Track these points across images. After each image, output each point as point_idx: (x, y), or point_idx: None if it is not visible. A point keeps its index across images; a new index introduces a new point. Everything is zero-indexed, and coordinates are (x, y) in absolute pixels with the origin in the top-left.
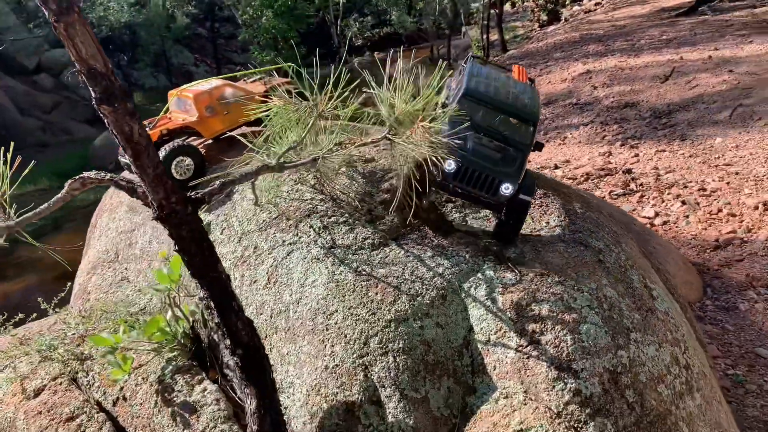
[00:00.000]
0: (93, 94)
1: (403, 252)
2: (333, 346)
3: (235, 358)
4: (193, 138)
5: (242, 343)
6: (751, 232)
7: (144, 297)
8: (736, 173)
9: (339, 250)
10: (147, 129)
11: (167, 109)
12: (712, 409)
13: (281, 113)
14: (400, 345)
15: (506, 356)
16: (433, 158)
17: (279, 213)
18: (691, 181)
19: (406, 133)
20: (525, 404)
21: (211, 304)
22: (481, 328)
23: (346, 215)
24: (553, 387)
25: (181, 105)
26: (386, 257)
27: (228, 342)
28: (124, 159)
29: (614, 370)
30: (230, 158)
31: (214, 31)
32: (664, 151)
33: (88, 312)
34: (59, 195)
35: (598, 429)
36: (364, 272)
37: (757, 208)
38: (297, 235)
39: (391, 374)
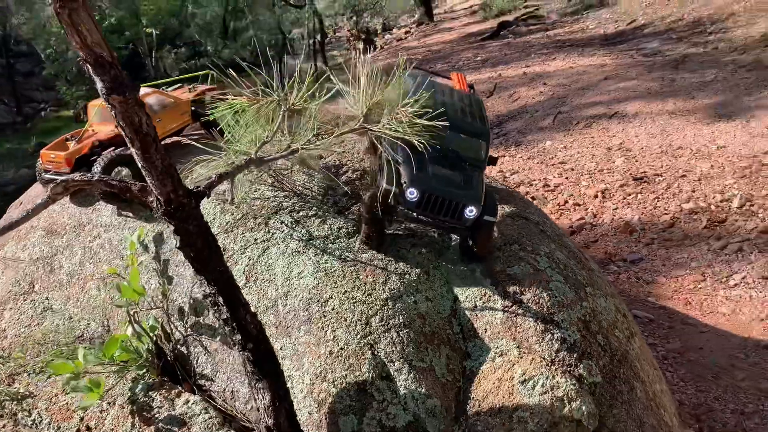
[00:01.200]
0: (101, 85)
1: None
2: (334, 330)
3: (246, 353)
4: (125, 148)
5: (252, 336)
6: (596, 217)
7: (80, 323)
8: (571, 169)
9: (318, 241)
10: (73, 143)
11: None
12: (645, 349)
13: (247, 111)
14: (401, 320)
15: (495, 318)
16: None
17: (242, 214)
18: (534, 179)
19: (382, 122)
20: (521, 357)
21: (219, 299)
22: (467, 296)
23: (314, 208)
24: (543, 338)
25: (108, 114)
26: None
27: (238, 337)
28: (49, 174)
29: (584, 319)
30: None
31: (11, 67)
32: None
33: (7, 350)
34: (40, 202)
35: (587, 369)
36: (348, 258)
37: (596, 196)
38: (269, 232)
39: (398, 348)
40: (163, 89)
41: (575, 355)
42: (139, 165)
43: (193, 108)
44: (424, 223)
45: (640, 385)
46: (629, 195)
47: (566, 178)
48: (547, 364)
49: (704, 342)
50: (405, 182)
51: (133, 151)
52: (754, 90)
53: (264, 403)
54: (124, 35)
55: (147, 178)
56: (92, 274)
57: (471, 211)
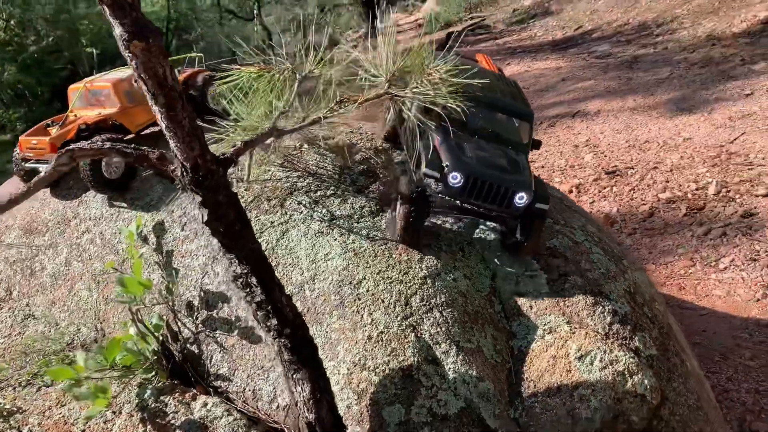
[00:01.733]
0: (119, 30)
1: None
2: (371, 314)
3: (282, 340)
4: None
5: (288, 320)
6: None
7: (69, 329)
8: (542, 167)
9: (341, 221)
10: (55, 128)
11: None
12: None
13: (258, 81)
14: (442, 299)
15: (540, 293)
16: (452, 107)
17: (254, 196)
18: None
19: (410, 86)
20: (573, 333)
21: (252, 280)
22: (506, 273)
23: (332, 188)
24: (594, 311)
25: (92, 98)
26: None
27: (274, 322)
28: (30, 163)
29: (630, 291)
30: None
31: None
32: None
33: None
34: (42, 174)
35: (642, 342)
36: (377, 237)
37: (571, 191)
38: (286, 213)
39: (442, 329)
40: None
41: (629, 328)
42: (163, 126)
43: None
44: (468, 213)
45: (687, 358)
46: (604, 188)
47: (538, 175)
48: (602, 338)
49: (706, 324)
50: (447, 165)
51: (155, 109)
52: (710, 84)
53: (304, 396)
54: (63, 55)
55: (171, 142)
56: (81, 273)
57: (521, 198)
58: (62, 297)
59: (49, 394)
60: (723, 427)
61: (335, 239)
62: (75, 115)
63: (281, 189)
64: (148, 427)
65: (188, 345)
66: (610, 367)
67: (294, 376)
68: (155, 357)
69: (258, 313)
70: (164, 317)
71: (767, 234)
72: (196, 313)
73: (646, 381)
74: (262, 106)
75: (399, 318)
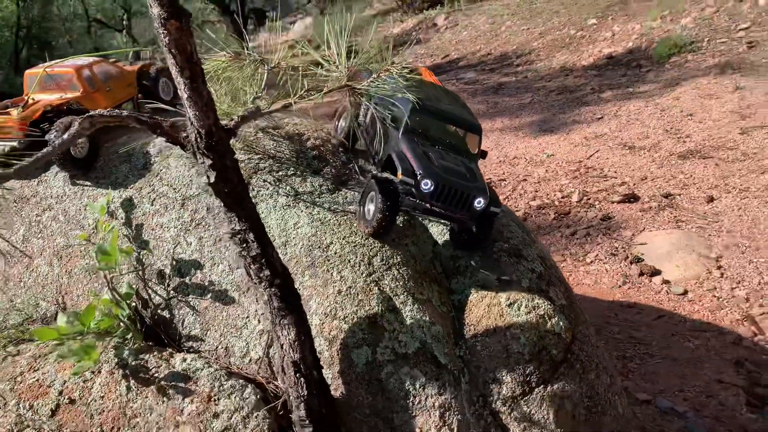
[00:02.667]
0: (158, 10)
1: (356, 193)
2: (340, 272)
3: (273, 289)
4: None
5: (278, 273)
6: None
7: (27, 304)
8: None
9: (305, 196)
10: (17, 109)
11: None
12: None
13: (229, 71)
14: (398, 259)
15: (473, 255)
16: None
17: None
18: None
19: (368, 80)
20: (502, 287)
21: (250, 236)
22: (444, 241)
23: (292, 169)
24: (517, 269)
25: (51, 83)
26: (346, 198)
27: (267, 273)
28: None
29: (540, 255)
30: (120, 137)
31: None
32: None
33: None
34: (64, 137)
35: (555, 294)
36: (338, 210)
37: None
38: (253, 190)
39: (400, 283)
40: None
41: (543, 283)
42: (184, 96)
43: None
44: (433, 214)
45: (583, 311)
46: None
47: (489, 181)
48: (526, 290)
49: (581, 307)
50: (420, 173)
51: (180, 80)
52: (566, 109)
53: (290, 339)
54: None
55: (190, 111)
56: (41, 249)
57: (479, 202)
58: (18, 274)
59: (18, 362)
60: (612, 362)
61: (302, 211)
62: (33, 99)
63: (246, 169)
64: (131, 381)
65: (159, 311)
66: (534, 311)
67: (281, 321)
68: (130, 321)
69: (252, 265)
70: (134, 286)
71: (622, 233)
72: (167, 281)
73: (561, 323)
74: (233, 93)
75: (364, 275)
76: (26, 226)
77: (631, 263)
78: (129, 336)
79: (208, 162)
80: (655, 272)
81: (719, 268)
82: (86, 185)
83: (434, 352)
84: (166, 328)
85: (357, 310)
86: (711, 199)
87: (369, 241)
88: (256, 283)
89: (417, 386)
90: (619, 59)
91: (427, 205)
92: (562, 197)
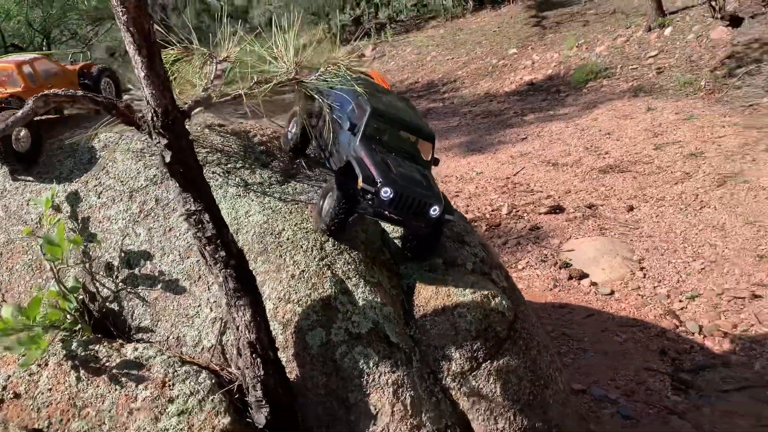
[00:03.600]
0: None
1: (305, 185)
2: (293, 257)
3: (228, 270)
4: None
5: (234, 254)
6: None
7: None
8: None
9: (255, 187)
10: None
11: None
12: None
13: (178, 64)
14: (349, 244)
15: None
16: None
17: None
18: None
19: (315, 74)
20: (448, 269)
21: (205, 216)
22: (393, 228)
23: (240, 162)
24: (461, 254)
25: None
26: (296, 189)
27: (222, 254)
28: None
29: (482, 243)
30: (63, 133)
31: None
32: None
33: None
34: (19, 114)
35: (497, 276)
36: (288, 199)
37: None
38: None
39: (352, 267)
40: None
41: (486, 266)
42: (141, 75)
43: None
44: (388, 219)
45: (523, 294)
46: None
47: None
48: (470, 272)
49: None
50: (380, 181)
51: (138, 59)
52: (492, 131)
53: (245, 320)
54: None
55: (147, 90)
56: None
57: (435, 210)
58: None
59: None
60: (549, 341)
61: (252, 200)
62: None
63: None
64: (81, 372)
65: (108, 303)
66: (478, 292)
67: (237, 303)
68: (77, 313)
69: (207, 246)
70: (80, 279)
71: (551, 242)
72: (116, 273)
73: (504, 302)
74: (180, 85)
75: (316, 259)
76: None
77: (560, 268)
78: (77, 328)
79: (164, 142)
80: (583, 275)
81: (642, 269)
82: (28, 180)
83: (386, 331)
84: (115, 321)
85: (310, 293)
86: (631, 208)
87: (319, 191)
88: (211, 265)
89: (371, 365)
90: (539, 85)
91: (385, 212)
92: (493, 210)
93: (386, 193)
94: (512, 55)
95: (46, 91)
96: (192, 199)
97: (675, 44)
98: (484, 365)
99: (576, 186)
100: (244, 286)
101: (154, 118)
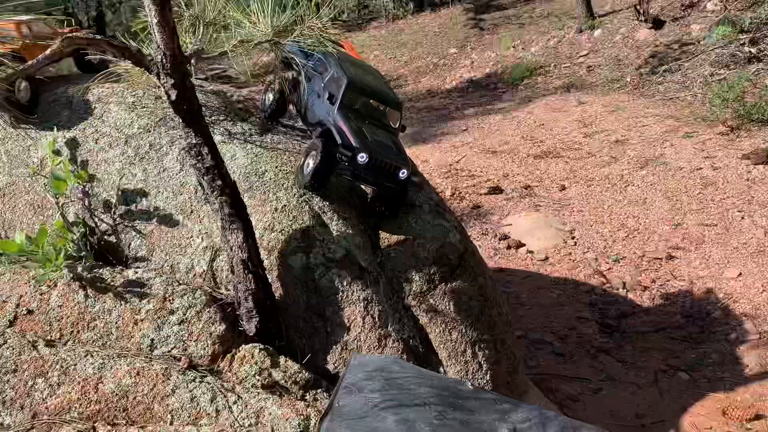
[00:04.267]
0: None
1: (282, 137)
2: (276, 193)
3: (223, 197)
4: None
5: (228, 183)
6: None
7: None
8: None
9: (238, 136)
10: None
11: None
12: None
13: None
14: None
15: None
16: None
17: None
18: None
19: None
20: (412, 208)
21: (204, 149)
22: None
23: (222, 116)
24: (420, 197)
25: None
26: (274, 140)
27: (219, 183)
28: None
29: (436, 192)
30: (58, 88)
31: None
32: None
33: None
34: (47, 52)
35: (450, 215)
36: (269, 147)
37: None
38: None
39: (327, 204)
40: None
41: (441, 209)
42: (154, 22)
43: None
44: (362, 180)
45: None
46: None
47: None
48: (428, 212)
49: None
50: (357, 147)
51: (151, 7)
52: (435, 124)
53: (238, 241)
54: None
55: (158, 36)
56: None
57: (403, 173)
58: None
59: None
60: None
61: (237, 147)
62: None
63: None
64: (89, 290)
65: (106, 237)
66: (435, 227)
67: (231, 226)
68: (81, 242)
69: (206, 176)
70: (80, 216)
71: (491, 218)
72: (114, 209)
73: (457, 236)
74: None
75: (296, 196)
76: None
77: (500, 240)
78: (82, 255)
79: (171, 82)
80: (521, 245)
81: (573, 238)
82: (29, 128)
83: (357, 258)
84: (114, 252)
85: (292, 224)
86: (563, 188)
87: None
88: (208, 193)
89: (344, 284)
90: (478, 82)
91: (360, 174)
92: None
93: (362, 158)
94: (452, 55)
95: (70, 33)
96: (193, 134)
97: (604, 44)
98: (439, 287)
99: (513, 170)
100: (237, 212)
101: (164, 61)
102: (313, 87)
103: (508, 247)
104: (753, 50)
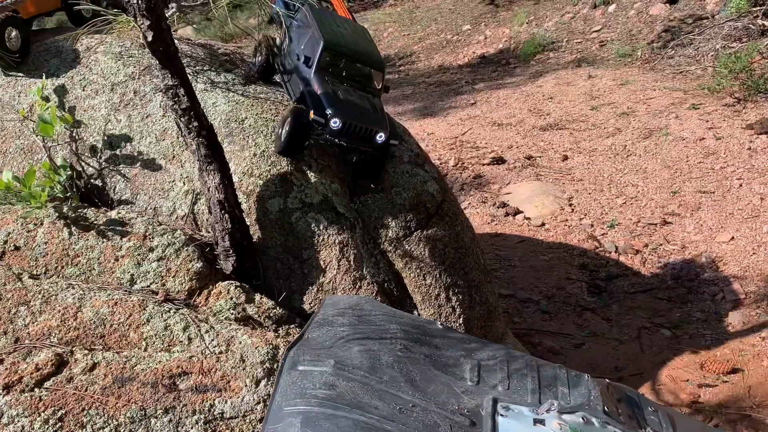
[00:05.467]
0: None
1: (264, 87)
2: (255, 139)
3: (200, 139)
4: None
5: (205, 125)
6: None
7: None
8: None
9: (220, 85)
10: None
11: None
12: None
13: None
14: None
15: None
16: None
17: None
18: None
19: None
20: (391, 159)
21: (180, 91)
22: None
23: (207, 66)
24: (400, 148)
25: None
26: (257, 89)
27: (195, 124)
28: None
29: (416, 143)
30: (47, 38)
31: None
32: None
33: None
34: None
35: (429, 167)
36: (251, 95)
37: None
38: None
39: (306, 151)
40: None
41: (420, 160)
42: None
43: None
44: (339, 145)
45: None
46: None
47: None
48: (407, 163)
49: None
50: (329, 113)
51: None
52: (444, 98)
53: (215, 182)
54: None
55: None
56: None
57: (381, 137)
58: None
59: None
60: (473, 230)
61: (218, 95)
62: None
63: None
64: (73, 228)
65: (92, 180)
66: (413, 177)
67: (208, 167)
68: (67, 184)
69: (183, 118)
70: (68, 159)
71: (491, 187)
72: (99, 154)
73: (435, 186)
74: None
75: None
76: None
77: (498, 207)
78: (67, 195)
79: (147, 23)
80: (518, 212)
81: (570, 205)
82: (19, 76)
83: (334, 203)
84: (99, 195)
85: (270, 169)
86: (565, 158)
87: (279, 117)
88: (185, 134)
89: (321, 228)
90: (490, 58)
91: (335, 139)
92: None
93: (335, 123)
94: (466, 31)
95: None
96: (170, 75)
97: (617, 20)
98: (415, 233)
99: (518, 142)
100: (214, 153)
101: (139, 1)
102: (293, 49)
103: (506, 215)
104: (766, 23)
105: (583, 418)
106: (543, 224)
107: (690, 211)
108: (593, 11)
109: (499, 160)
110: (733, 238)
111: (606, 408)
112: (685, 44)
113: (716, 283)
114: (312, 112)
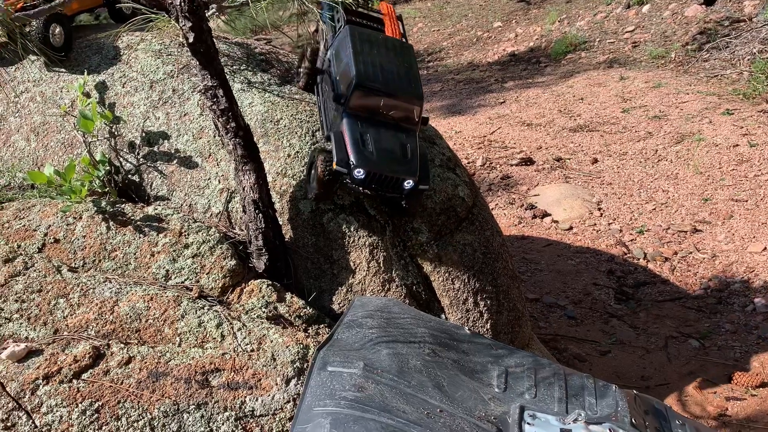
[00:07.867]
0: None
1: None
2: (289, 140)
3: (237, 139)
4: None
5: (242, 126)
6: None
7: (4, 176)
8: None
9: (257, 85)
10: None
11: None
12: None
13: None
14: None
15: None
16: None
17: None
18: None
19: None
20: None
21: (219, 92)
22: None
23: (243, 65)
24: (432, 151)
25: None
26: (292, 90)
27: (233, 125)
28: None
29: (449, 148)
30: (90, 35)
31: None
32: None
33: None
34: None
35: (461, 171)
36: (286, 96)
37: None
38: None
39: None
40: None
41: (452, 164)
42: None
43: None
44: (366, 191)
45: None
46: None
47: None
48: (438, 166)
49: None
50: (353, 163)
51: None
52: (473, 96)
53: (251, 182)
54: None
55: None
56: (18, 126)
57: (408, 184)
58: None
59: (3, 214)
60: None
61: (255, 95)
62: None
63: None
64: (111, 223)
65: (130, 176)
66: (445, 181)
67: (244, 167)
68: (106, 179)
69: (221, 118)
70: (106, 155)
71: (519, 189)
72: (137, 150)
73: (466, 190)
74: None
75: (309, 143)
76: (3, 106)
77: (526, 209)
78: (106, 190)
79: (189, 24)
80: (546, 214)
81: (599, 209)
82: (62, 71)
83: (366, 206)
84: (137, 191)
85: (303, 170)
86: (595, 161)
87: (313, 118)
88: (223, 135)
89: (352, 229)
90: (521, 57)
91: (359, 188)
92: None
93: (359, 173)
94: (497, 28)
95: None
96: (209, 76)
97: (651, 21)
98: (445, 237)
99: (547, 143)
100: (250, 154)
101: (182, 3)
102: (332, 71)
103: (534, 217)
104: None
105: (609, 430)
106: (571, 228)
107: (721, 220)
108: (626, 11)
109: (528, 161)
110: (765, 248)
111: (633, 420)
112: (721, 47)
113: (746, 294)
114: (335, 162)
